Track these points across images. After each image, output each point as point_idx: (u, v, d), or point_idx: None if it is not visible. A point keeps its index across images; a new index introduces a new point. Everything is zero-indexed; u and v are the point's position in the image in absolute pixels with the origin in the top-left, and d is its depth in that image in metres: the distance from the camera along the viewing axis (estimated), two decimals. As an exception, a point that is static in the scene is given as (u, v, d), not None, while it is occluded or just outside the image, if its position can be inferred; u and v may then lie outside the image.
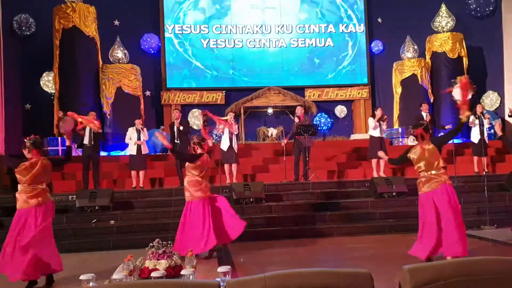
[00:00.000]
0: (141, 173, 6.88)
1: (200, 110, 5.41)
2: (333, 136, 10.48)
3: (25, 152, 3.62)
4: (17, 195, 3.62)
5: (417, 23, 10.34)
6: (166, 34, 10.39)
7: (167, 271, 2.69)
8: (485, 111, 7.56)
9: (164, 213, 5.75)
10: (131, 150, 6.92)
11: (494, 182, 6.47)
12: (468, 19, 10.49)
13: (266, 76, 10.53)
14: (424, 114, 7.49)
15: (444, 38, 9.99)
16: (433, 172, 3.68)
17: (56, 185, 6.64)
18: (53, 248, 3.56)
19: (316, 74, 10.79)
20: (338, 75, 10.84)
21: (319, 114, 10.60)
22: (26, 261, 3.34)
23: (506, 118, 9.03)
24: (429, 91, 10.03)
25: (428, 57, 10.22)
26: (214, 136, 9.89)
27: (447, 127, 7.55)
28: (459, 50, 9.96)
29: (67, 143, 3.84)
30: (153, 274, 2.45)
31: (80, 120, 4.16)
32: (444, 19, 10.05)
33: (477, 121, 7.20)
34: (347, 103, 10.85)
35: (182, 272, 2.44)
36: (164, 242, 2.99)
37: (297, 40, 10.79)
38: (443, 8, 10.08)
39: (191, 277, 2.35)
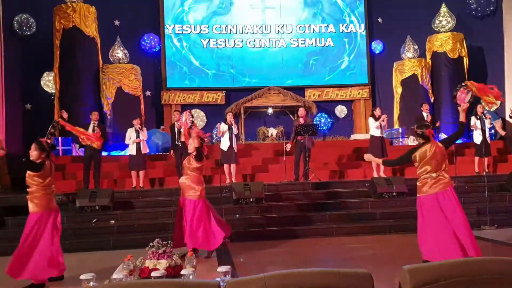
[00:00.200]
0: (141, 173, 6.88)
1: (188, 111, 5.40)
2: (333, 136, 10.48)
3: (42, 155, 3.63)
4: (38, 197, 3.60)
5: (418, 23, 10.33)
6: (166, 34, 10.40)
7: (167, 270, 2.69)
8: (485, 112, 7.55)
9: (164, 213, 5.75)
10: (131, 150, 6.92)
11: (494, 183, 6.46)
12: (468, 19, 10.48)
13: (266, 76, 10.53)
14: (425, 114, 7.48)
15: (444, 38, 9.99)
16: (441, 173, 3.65)
17: (57, 185, 6.63)
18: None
19: (316, 74, 10.79)
20: (338, 75, 10.84)
21: (319, 114, 10.60)
22: (49, 260, 3.48)
23: (507, 118, 9.02)
24: (430, 91, 10.03)
25: (428, 57, 10.22)
26: (214, 137, 9.91)
27: (437, 124, 7.53)
28: (459, 50, 9.96)
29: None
30: (153, 274, 2.45)
31: (82, 137, 4.15)
32: (444, 19, 10.04)
33: (478, 123, 7.20)
34: (347, 103, 10.85)
35: (182, 272, 2.44)
36: (164, 242, 2.99)
37: (297, 40, 10.79)
38: (444, 8, 10.07)
39: (191, 277, 2.35)
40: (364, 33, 10.89)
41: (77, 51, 8.77)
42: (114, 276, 2.43)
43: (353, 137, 10.25)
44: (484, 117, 7.21)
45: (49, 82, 9.42)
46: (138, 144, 6.79)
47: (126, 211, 5.86)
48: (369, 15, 10.98)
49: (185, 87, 10.36)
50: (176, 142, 6.69)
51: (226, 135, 6.81)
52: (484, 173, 6.39)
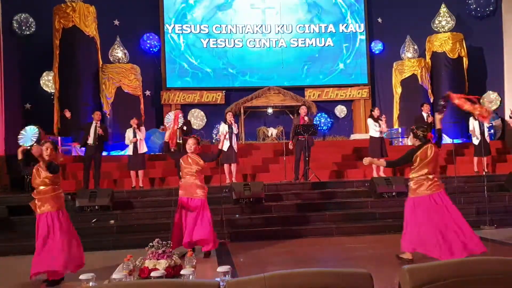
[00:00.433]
0: (140, 172, 6.87)
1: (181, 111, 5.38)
2: (333, 136, 10.48)
3: (55, 155, 3.67)
4: (54, 197, 3.63)
5: (417, 23, 10.34)
6: (166, 33, 10.39)
7: (166, 270, 2.69)
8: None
9: (163, 213, 5.75)
10: (129, 150, 6.92)
11: (494, 182, 6.47)
12: (468, 19, 10.49)
13: (266, 76, 10.53)
14: (425, 114, 7.48)
15: (444, 38, 9.99)
16: (436, 175, 3.74)
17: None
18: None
19: (316, 74, 10.79)
20: (338, 75, 10.84)
21: (319, 114, 10.60)
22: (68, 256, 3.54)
23: (507, 118, 9.03)
24: (429, 91, 10.03)
25: (428, 57, 10.22)
26: (214, 137, 9.91)
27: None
28: (459, 50, 9.96)
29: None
30: (152, 274, 2.45)
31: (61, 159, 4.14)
32: (444, 19, 10.05)
33: (476, 123, 7.21)
34: (347, 103, 10.85)
35: (182, 272, 2.44)
36: (163, 242, 2.98)
37: (297, 40, 10.78)
38: (443, 8, 10.08)
39: (191, 277, 2.35)
40: (364, 33, 10.90)
41: (77, 50, 8.76)
42: (114, 276, 2.43)
43: (353, 137, 10.26)
44: None
45: (48, 82, 9.41)
46: (135, 144, 6.78)
47: (125, 211, 5.85)
48: (369, 15, 10.98)
49: (185, 86, 10.36)
50: (178, 141, 6.68)
51: (226, 130, 6.83)
52: (484, 173, 6.41)
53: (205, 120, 10.36)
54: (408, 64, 10.10)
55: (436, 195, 3.70)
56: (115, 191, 6.17)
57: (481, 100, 4.97)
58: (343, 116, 10.85)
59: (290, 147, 6.90)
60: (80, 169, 6.80)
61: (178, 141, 6.67)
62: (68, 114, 6.79)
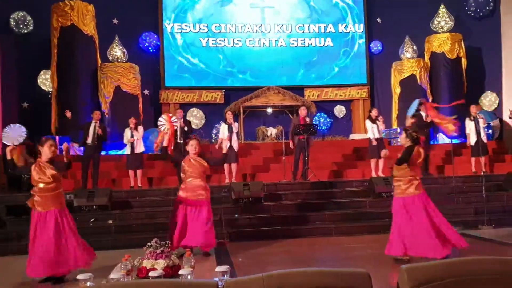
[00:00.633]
0: (138, 172, 6.85)
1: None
2: (332, 136, 10.48)
3: (56, 152, 3.69)
4: (59, 195, 3.67)
5: (416, 24, 10.35)
6: (165, 32, 10.37)
7: (165, 270, 2.68)
8: (478, 112, 7.59)
9: (162, 212, 5.74)
10: (127, 149, 6.91)
11: (492, 182, 6.49)
12: (467, 20, 10.51)
13: (266, 76, 10.52)
14: (423, 114, 7.49)
15: (443, 39, 10.00)
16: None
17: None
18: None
19: (316, 74, 10.79)
20: (337, 75, 10.85)
21: (319, 114, 10.60)
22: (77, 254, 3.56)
23: (505, 119, 9.05)
24: (428, 91, 10.05)
25: (427, 57, 10.23)
26: (213, 136, 9.89)
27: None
28: (458, 51, 9.98)
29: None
30: (151, 274, 2.44)
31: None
32: (443, 20, 10.06)
33: (472, 124, 7.25)
34: (346, 103, 10.86)
35: (180, 272, 2.43)
36: (162, 242, 2.98)
37: (297, 40, 10.78)
38: (442, 8, 10.09)
39: (189, 276, 2.34)
40: (363, 33, 10.90)
41: (75, 49, 8.72)
42: (112, 276, 2.42)
43: (352, 137, 10.27)
44: (478, 118, 7.27)
45: (46, 81, 9.37)
46: (132, 144, 6.77)
47: (124, 210, 5.84)
48: (368, 15, 10.99)
49: (184, 86, 10.34)
50: (178, 141, 6.67)
51: (226, 135, 6.82)
52: (482, 173, 6.42)
53: (204, 119, 10.35)
54: (407, 64, 10.11)
55: (422, 194, 3.83)
56: (114, 190, 6.15)
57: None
58: (342, 116, 10.86)
59: (291, 146, 6.89)
60: (78, 169, 6.78)
61: (178, 141, 6.65)
62: (69, 114, 6.77)
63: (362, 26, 10.91)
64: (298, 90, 10.47)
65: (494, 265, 1.47)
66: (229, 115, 7.03)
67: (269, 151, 8.42)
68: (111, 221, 5.55)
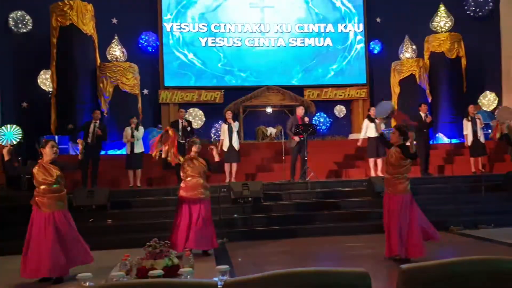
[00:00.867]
0: (138, 172, 6.84)
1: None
2: (332, 135, 10.48)
3: (58, 153, 3.72)
4: (63, 196, 3.67)
5: (416, 23, 10.35)
6: (165, 32, 10.35)
7: (164, 270, 2.68)
8: (476, 112, 7.60)
9: (161, 212, 5.73)
10: (127, 149, 6.90)
11: (491, 182, 6.49)
12: (466, 20, 10.51)
13: (265, 75, 10.51)
14: (422, 114, 7.50)
15: (442, 38, 10.00)
16: None
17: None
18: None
19: (315, 74, 10.78)
20: (336, 74, 10.84)
21: (318, 114, 10.60)
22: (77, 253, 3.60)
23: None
24: (427, 91, 10.05)
25: (426, 57, 10.23)
26: (213, 136, 9.88)
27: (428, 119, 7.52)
28: (457, 51, 9.98)
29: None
30: (150, 274, 2.43)
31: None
32: (442, 20, 10.06)
33: (469, 124, 7.27)
34: (346, 102, 10.86)
35: (180, 272, 2.43)
36: (161, 242, 2.97)
37: (296, 40, 10.77)
38: (442, 8, 10.09)
39: (188, 276, 2.34)
40: (362, 33, 10.90)
41: (74, 49, 8.70)
42: (111, 276, 2.41)
43: (351, 136, 10.27)
44: (475, 118, 7.29)
45: (46, 80, 9.35)
46: (132, 143, 6.77)
47: (123, 210, 5.84)
48: (367, 15, 10.98)
49: (183, 85, 10.32)
50: (180, 140, 6.67)
51: (226, 134, 6.81)
52: (481, 173, 6.43)
53: (204, 119, 10.34)
54: (407, 64, 10.11)
55: (409, 193, 3.96)
56: (113, 190, 6.14)
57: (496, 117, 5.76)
58: (342, 115, 10.86)
59: (297, 139, 6.73)
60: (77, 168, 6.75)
61: (180, 140, 6.65)
62: (71, 126, 6.77)
63: (361, 26, 10.91)
64: (298, 89, 10.46)
65: (494, 265, 1.47)
66: (228, 115, 7.02)
67: (269, 151, 8.42)
68: (110, 220, 5.54)
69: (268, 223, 5.59)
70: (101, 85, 9.02)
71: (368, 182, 6.35)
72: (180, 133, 6.69)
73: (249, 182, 6.18)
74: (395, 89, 10.34)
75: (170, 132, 4.34)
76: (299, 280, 1.38)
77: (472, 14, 10.55)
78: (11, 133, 4.49)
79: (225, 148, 6.84)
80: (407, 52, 10.19)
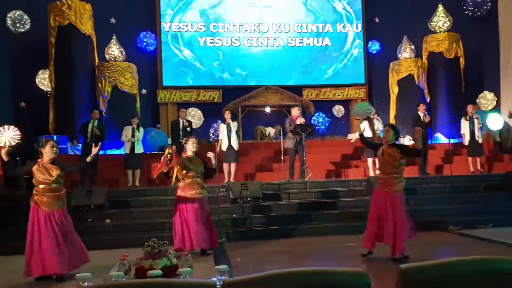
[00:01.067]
0: (137, 172, 6.83)
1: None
2: (331, 135, 10.49)
3: (58, 152, 3.75)
4: (63, 195, 3.70)
5: (414, 23, 10.36)
6: (163, 32, 10.34)
7: (163, 270, 2.67)
8: (474, 112, 7.63)
9: (160, 212, 5.73)
10: (126, 149, 6.89)
11: (490, 182, 6.51)
12: (465, 19, 10.53)
13: (264, 75, 10.51)
14: (421, 114, 7.51)
15: (441, 38, 10.02)
16: None
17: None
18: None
19: (314, 74, 10.79)
20: (335, 74, 10.85)
21: (317, 114, 10.61)
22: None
23: (504, 118, 9.07)
24: (426, 91, 10.07)
25: (424, 57, 10.25)
26: (211, 135, 9.87)
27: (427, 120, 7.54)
28: (455, 50, 10.00)
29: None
30: (149, 274, 2.43)
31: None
32: (441, 19, 10.08)
33: (467, 124, 7.29)
34: (345, 102, 10.87)
35: (178, 272, 2.43)
36: (160, 242, 2.97)
37: (295, 39, 10.78)
38: (440, 8, 10.11)
39: (187, 276, 2.34)
40: (361, 33, 10.91)
41: (73, 49, 8.68)
42: (110, 275, 2.41)
43: (350, 136, 10.28)
44: (473, 118, 7.31)
45: (44, 80, 9.32)
46: (132, 143, 6.76)
47: (121, 210, 5.82)
48: (366, 15, 10.99)
49: (182, 85, 10.31)
50: (180, 140, 6.66)
51: (225, 134, 6.81)
52: (480, 173, 6.45)
53: (202, 119, 10.33)
54: (405, 64, 10.13)
55: None
56: (111, 190, 6.13)
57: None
58: (341, 115, 10.87)
59: (291, 135, 6.73)
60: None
61: (181, 140, 6.64)
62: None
63: (360, 26, 10.92)
64: (296, 89, 10.47)
65: (492, 265, 1.47)
66: (227, 115, 7.02)
67: (268, 151, 8.42)
68: (108, 220, 5.53)
69: (267, 223, 5.59)
70: (99, 84, 9.00)
71: (366, 181, 6.35)
72: (181, 134, 6.70)
73: (248, 182, 6.18)
74: (394, 89, 10.36)
75: (171, 151, 4.35)
76: (298, 280, 1.38)
77: (470, 14, 10.57)
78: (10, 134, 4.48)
79: (223, 148, 6.84)
80: (405, 52, 10.21)
